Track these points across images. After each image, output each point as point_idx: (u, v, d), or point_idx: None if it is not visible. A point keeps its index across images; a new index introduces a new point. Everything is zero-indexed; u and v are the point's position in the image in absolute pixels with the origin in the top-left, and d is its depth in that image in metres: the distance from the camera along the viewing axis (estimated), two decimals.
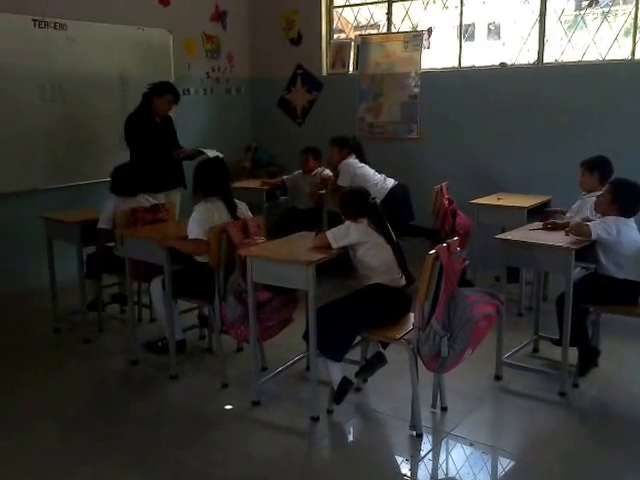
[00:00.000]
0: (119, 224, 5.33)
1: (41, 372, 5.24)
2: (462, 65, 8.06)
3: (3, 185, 6.74)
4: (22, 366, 5.35)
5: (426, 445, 4.13)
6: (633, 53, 6.97)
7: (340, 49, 8.95)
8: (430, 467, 3.94)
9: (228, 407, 4.64)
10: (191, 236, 4.83)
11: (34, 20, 6.81)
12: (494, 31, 8.66)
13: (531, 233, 4.96)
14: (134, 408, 4.66)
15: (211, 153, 6.34)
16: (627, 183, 4.76)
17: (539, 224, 5.18)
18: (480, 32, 8.58)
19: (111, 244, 5.49)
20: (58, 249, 5.88)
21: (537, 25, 7.46)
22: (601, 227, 4.62)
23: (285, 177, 7.94)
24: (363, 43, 8.64)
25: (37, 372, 5.23)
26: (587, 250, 4.72)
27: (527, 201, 6.39)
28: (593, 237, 4.60)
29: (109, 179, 5.77)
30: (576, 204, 5.72)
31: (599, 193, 5.12)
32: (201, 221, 4.83)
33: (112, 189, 5.69)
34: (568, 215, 5.69)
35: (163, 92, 6.56)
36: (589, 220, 4.87)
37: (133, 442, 4.22)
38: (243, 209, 5.14)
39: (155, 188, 6.31)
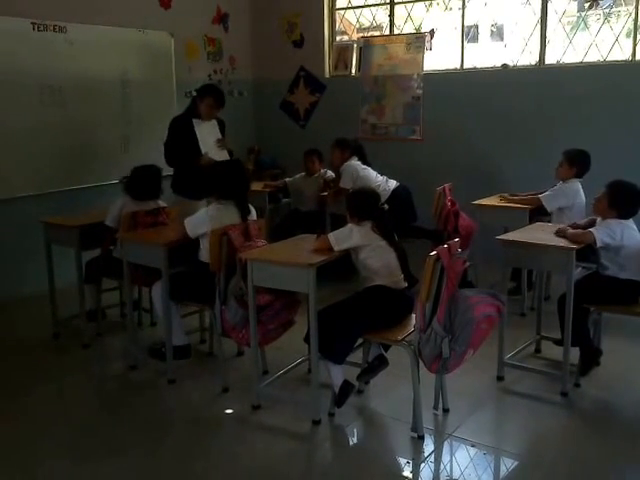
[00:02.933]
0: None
1: (40, 377, 5.22)
2: (464, 66, 8.08)
3: (3, 189, 6.73)
4: (21, 371, 5.33)
5: (428, 447, 4.12)
6: (634, 54, 6.98)
7: (343, 51, 8.95)
8: (432, 469, 3.94)
9: (229, 411, 4.63)
10: (193, 236, 4.91)
11: (33, 23, 6.78)
12: (496, 33, 8.64)
13: (532, 234, 4.96)
14: (134, 413, 4.64)
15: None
16: (624, 185, 4.75)
17: (548, 224, 5.22)
18: (482, 33, 8.56)
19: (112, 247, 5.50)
20: (58, 253, 5.86)
21: (539, 26, 7.46)
22: (605, 233, 4.60)
23: (287, 179, 7.93)
24: (365, 45, 8.65)
25: (36, 377, 5.21)
26: (588, 250, 4.71)
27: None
28: (599, 244, 4.59)
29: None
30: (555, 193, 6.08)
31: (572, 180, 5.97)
32: (200, 222, 4.88)
33: (127, 188, 5.64)
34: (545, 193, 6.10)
35: (204, 95, 6.30)
36: (594, 222, 4.85)
37: (134, 447, 4.20)
38: (253, 214, 5.16)
39: (195, 195, 6.00)
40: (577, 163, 6.03)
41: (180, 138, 6.15)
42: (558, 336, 4.91)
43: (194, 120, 6.17)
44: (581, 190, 6.08)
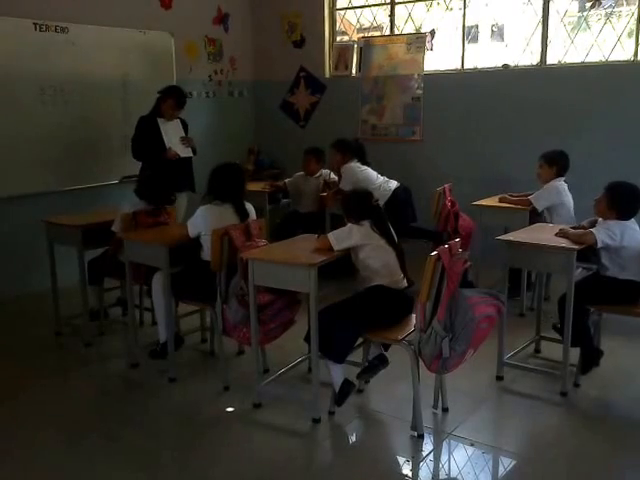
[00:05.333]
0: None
1: (42, 375, 5.24)
2: (465, 67, 8.07)
3: (5, 189, 6.74)
4: (23, 369, 5.35)
5: (427, 445, 4.13)
6: (636, 54, 6.96)
7: (343, 51, 8.95)
8: (431, 467, 3.94)
9: (230, 409, 4.64)
10: (192, 235, 4.97)
11: (35, 23, 6.79)
12: (497, 33, 8.64)
13: (532, 234, 4.97)
14: (135, 411, 4.66)
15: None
16: (623, 186, 4.77)
17: (548, 225, 5.25)
18: (483, 34, 8.57)
19: None
20: (60, 253, 5.87)
21: (540, 26, 7.46)
22: (605, 234, 4.61)
23: (287, 180, 7.91)
24: (366, 45, 8.65)
25: (38, 375, 5.23)
26: (589, 251, 4.72)
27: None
28: (599, 245, 4.61)
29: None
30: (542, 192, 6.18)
31: (555, 179, 6.13)
32: (196, 222, 4.96)
33: (142, 194, 5.60)
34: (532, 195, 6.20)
35: (166, 96, 6.61)
36: (595, 223, 4.86)
37: (135, 445, 4.22)
38: (252, 213, 5.17)
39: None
40: (556, 162, 6.16)
41: (146, 135, 6.51)
42: (557, 336, 4.92)
43: (159, 119, 6.56)
44: (567, 189, 6.15)
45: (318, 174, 7.61)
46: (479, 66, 8.02)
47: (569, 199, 6.16)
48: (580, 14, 7.58)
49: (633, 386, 4.88)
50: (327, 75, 9.05)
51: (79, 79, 7.25)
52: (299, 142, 8.56)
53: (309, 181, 7.60)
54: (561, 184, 6.14)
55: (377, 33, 8.96)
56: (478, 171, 7.74)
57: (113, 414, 4.63)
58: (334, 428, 4.43)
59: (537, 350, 5.43)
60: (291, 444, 4.25)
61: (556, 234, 4.80)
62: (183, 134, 6.75)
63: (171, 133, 6.64)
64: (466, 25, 8.00)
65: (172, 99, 6.61)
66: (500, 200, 6.51)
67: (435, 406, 4.50)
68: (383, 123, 8.54)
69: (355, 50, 8.83)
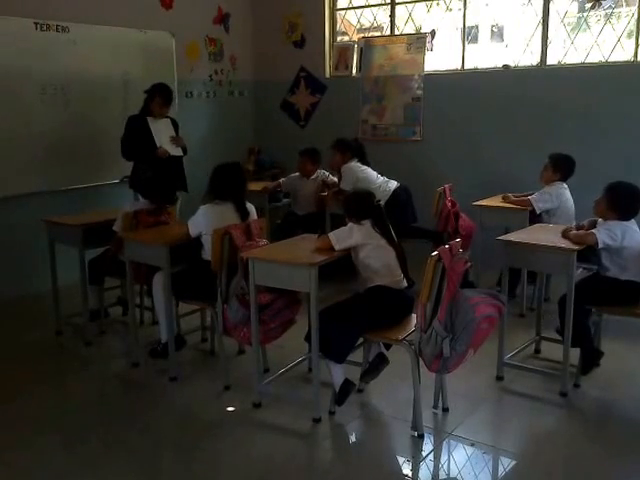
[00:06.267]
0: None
1: (42, 375, 5.24)
2: (465, 67, 8.08)
3: (5, 188, 6.73)
4: (24, 369, 5.36)
5: (427, 445, 4.14)
6: (636, 55, 6.96)
7: (343, 51, 8.95)
8: (431, 467, 3.94)
9: (230, 409, 4.64)
10: (193, 235, 4.98)
11: (36, 23, 6.78)
12: (497, 33, 8.65)
13: (533, 235, 4.98)
14: (136, 411, 4.66)
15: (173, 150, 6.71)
16: (622, 187, 4.77)
17: (548, 225, 5.25)
18: (483, 34, 8.57)
19: None
20: (61, 252, 5.87)
21: (540, 27, 7.47)
22: (606, 234, 4.61)
23: (281, 180, 7.89)
24: (366, 45, 8.65)
25: (38, 375, 5.23)
26: (589, 251, 4.72)
27: None
28: (600, 246, 4.61)
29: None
30: (541, 195, 6.20)
31: (557, 183, 6.19)
32: (197, 222, 4.96)
33: (147, 194, 5.59)
34: (532, 196, 6.21)
35: (152, 94, 6.65)
36: (595, 223, 4.87)
37: (135, 445, 4.22)
38: (252, 213, 5.18)
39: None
40: (561, 167, 6.19)
41: (135, 134, 6.56)
42: (558, 337, 4.92)
43: (148, 118, 6.62)
44: (567, 193, 6.18)
45: (315, 175, 7.57)
46: (479, 66, 8.02)
47: (570, 203, 6.18)
48: (580, 15, 7.58)
49: (633, 387, 4.88)
50: (327, 75, 9.05)
51: (80, 79, 7.25)
52: (299, 142, 8.53)
53: (306, 183, 7.55)
54: (562, 187, 6.16)
55: (377, 33, 8.95)
56: (478, 171, 7.74)
57: (113, 413, 4.63)
58: (334, 428, 4.43)
59: (537, 350, 5.43)
60: (291, 444, 4.25)
61: (562, 235, 4.80)
62: (173, 133, 6.79)
63: (161, 132, 6.69)
64: (466, 25, 8.00)
65: (158, 97, 6.64)
66: (502, 199, 6.52)
67: (435, 406, 4.51)
68: (383, 123, 8.54)
69: (355, 50, 8.82)
